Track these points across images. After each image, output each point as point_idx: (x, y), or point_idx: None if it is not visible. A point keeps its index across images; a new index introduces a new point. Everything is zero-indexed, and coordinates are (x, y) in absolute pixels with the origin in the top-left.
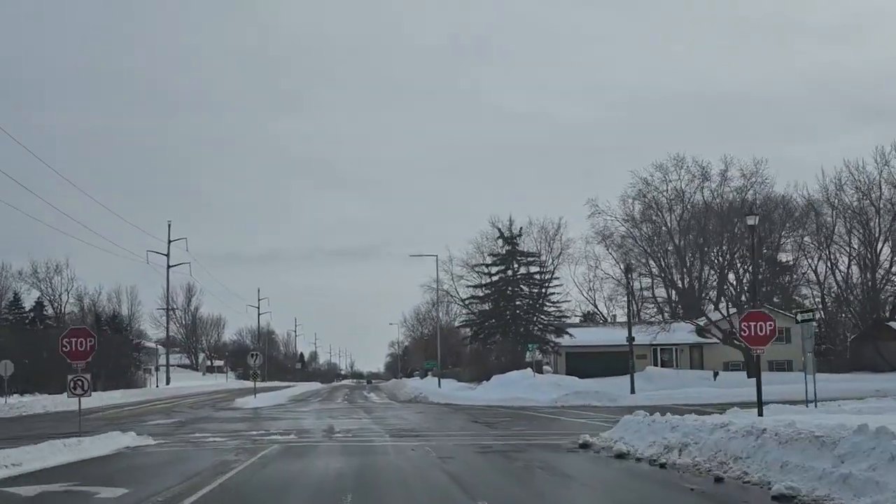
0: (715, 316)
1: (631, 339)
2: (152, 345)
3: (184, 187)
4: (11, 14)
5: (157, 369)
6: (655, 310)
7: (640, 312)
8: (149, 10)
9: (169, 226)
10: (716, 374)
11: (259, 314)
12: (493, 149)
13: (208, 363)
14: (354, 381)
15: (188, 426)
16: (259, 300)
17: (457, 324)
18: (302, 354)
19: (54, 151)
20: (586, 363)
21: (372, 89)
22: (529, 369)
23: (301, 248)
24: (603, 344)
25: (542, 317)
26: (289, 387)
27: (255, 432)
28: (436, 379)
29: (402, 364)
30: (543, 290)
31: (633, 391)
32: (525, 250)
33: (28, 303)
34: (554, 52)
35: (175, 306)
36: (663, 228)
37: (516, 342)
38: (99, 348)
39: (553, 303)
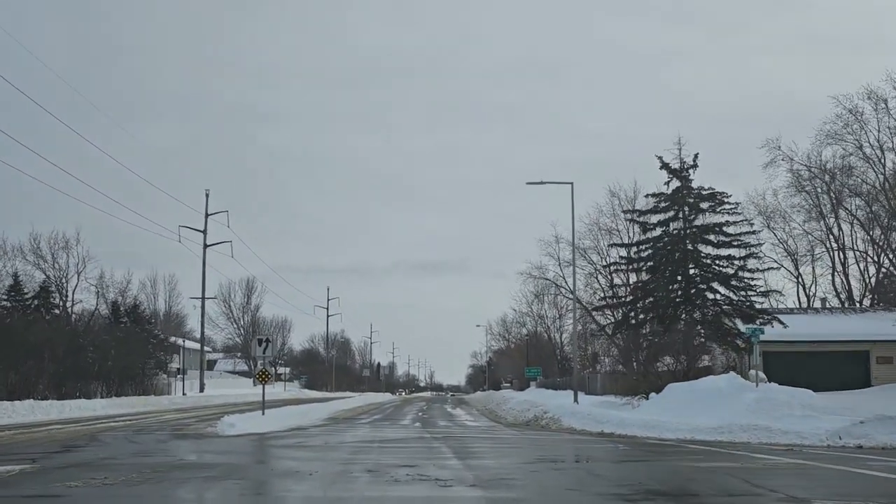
0: None
1: None
2: (193, 344)
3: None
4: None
5: (182, 372)
6: None
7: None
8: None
9: (207, 196)
10: None
11: (328, 315)
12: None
13: (272, 370)
14: (433, 393)
15: None
16: (329, 300)
17: (586, 305)
18: (378, 364)
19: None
20: (796, 367)
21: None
22: (733, 373)
23: (383, 262)
24: (823, 339)
25: (740, 292)
26: (343, 398)
27: None
28: (549, 391)
29: (489, 376)
30: (739, 251)
31: None
32: (705, 186)
33: (30, 287)
34: (632, 72)
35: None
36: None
37: (692, 333)
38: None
39: (750, 271)
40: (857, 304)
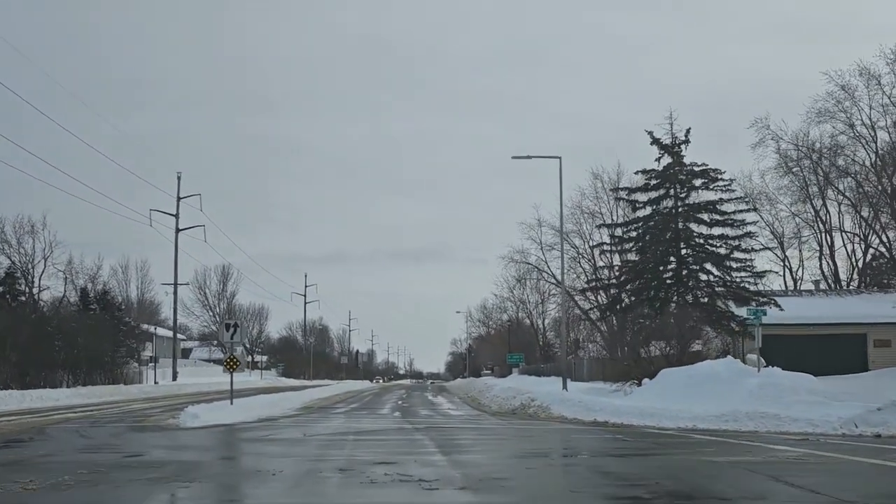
0: None
1: None
2: (166, 332)
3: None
4: None
5: (154, 360)
6: None
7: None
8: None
9: (178, 179)
10: None
11: (306, 302)
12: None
13: (248, 358)
14: (413, 381)
15: None
16: (306, 287)
17: (574, 288)
18: (357, 351)
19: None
20: (792, 351)
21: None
22: (731, 357)
23: (362, 249)
24: (819, 322)
25: (734, 274)
26: (320, 386)
27: None
28: (533, 378)
29: (469, 363)
30: (732, 230)
31: None
32: (698, 162)
33: None
34: (611, 58)
35: (204, 290)
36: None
37: (681, 316)
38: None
39: (745, 251)
40: (844, 287)
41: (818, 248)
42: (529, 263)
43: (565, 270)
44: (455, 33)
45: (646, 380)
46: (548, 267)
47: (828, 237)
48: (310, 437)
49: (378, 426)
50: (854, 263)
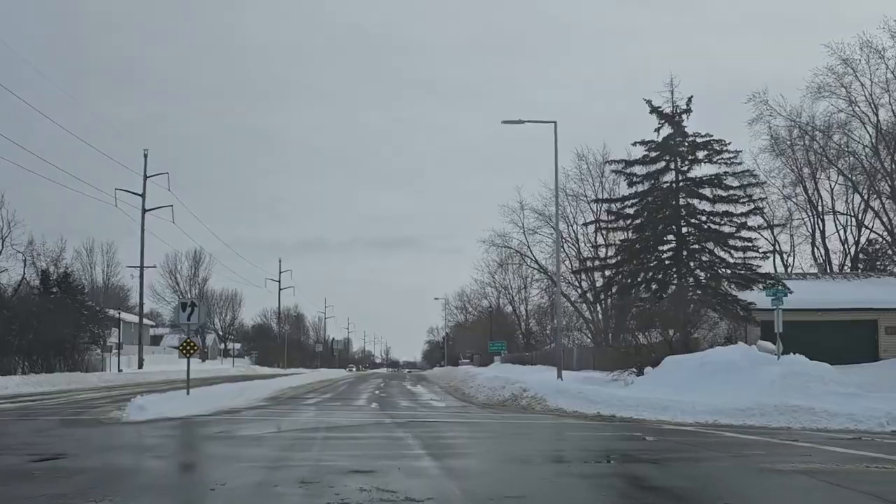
0: None
1: None
2: (133, 318)
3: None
4: None
5: (118, 348)
6: None
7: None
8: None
9: (145, 156)
10: None
11: (280, 288)
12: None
13: (221, 346)
14: (389, 369)
15: None
16: (280, 272)
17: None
18: (332, 339)
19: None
20: (799, 338)
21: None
22: (743, 344)
23: (339, 238)
24: (828, 307)
25: (738, 254)
26: (294, 374)
27: None
28: (518, 367)
29: (447, 351)
30: (737, 207)
31: None
32: (701, 133)
33: None
34: (593, 48)
35: (175, 275)
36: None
37: (683, 298)
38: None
39: (750, 229)
40: (839, 271)
41: (810, 233)
42: (511, 248)
43: (549, 256)
44: (434, 22)
45: (648, 368)
46: (530, 251)
47: (820, 221)
48: (272, 435)
49: (353, 420)
50: (847, 248)
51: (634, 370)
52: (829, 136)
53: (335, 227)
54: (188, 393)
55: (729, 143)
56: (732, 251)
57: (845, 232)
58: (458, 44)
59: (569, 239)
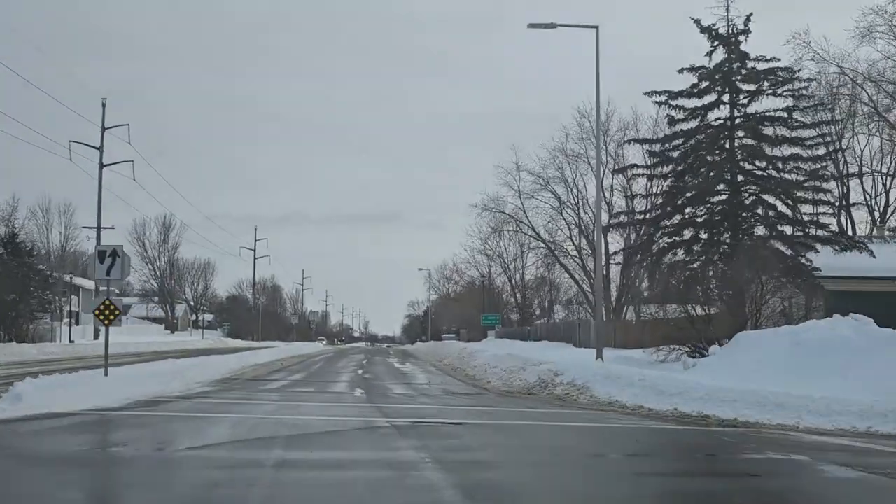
0: None
1: None
2: (89, 284)
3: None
4: None
5: (70, 316)
6: None
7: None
8: None
9: (103, 106)
10: None
11: (255, 257)
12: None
13: (193, 317)
14: (369, 343)
15: None
16: (256, 241)
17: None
18: (309, 311)
19: None
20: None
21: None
22: (856, 315)
23: (318, 210)
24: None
25: (806, 206)
26: (265, 348)
27: None
28: (519, 342)
29: (430, 325)
30: (808, 151)
31: None
32: (766, 56)
33: None
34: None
35: (143, 241)
36: None
37: (756, 259)
38: None
39: (823, 178)
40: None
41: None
42: (505, 213)
43: (546, 224)
44: None
45: (713, 347)
46: (526, 218)
47: (844, 183)
48: (179, 457)
49: (331, 420)
50: (874, 216)
51: (696, 349)
52: (877, 84)
53: (315, 199)
54: (106, 374)
55: (799, 71)
56: (800, 204)
57: (874, 196)
58: (440, 15)
59: (569, 203)
